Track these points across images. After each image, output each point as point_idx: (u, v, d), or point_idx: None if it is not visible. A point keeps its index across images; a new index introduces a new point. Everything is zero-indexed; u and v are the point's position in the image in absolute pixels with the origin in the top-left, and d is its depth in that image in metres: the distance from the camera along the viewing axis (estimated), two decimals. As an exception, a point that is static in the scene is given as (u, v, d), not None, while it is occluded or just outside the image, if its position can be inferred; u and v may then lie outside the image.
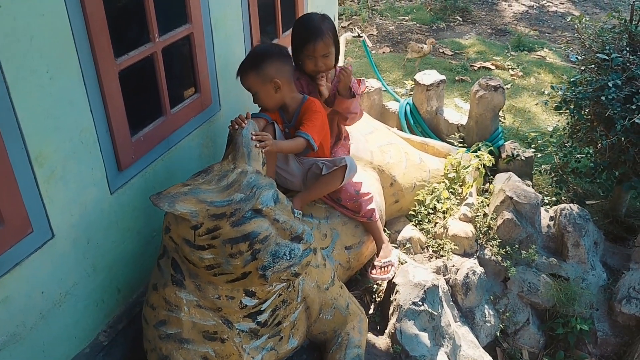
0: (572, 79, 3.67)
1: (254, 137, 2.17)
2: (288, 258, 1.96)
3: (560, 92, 3.68)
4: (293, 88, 2.59)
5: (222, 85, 2.83)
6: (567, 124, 3.84)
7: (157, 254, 2.24)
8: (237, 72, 2.55)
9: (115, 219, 2.30)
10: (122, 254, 2.37)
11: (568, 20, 7.82)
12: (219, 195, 1.95)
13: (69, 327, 2.18)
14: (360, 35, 5.05)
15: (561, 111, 3.70)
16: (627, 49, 3.50)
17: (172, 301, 2.09)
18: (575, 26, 3.85)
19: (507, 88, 5.52)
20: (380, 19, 8.09)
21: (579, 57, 3.84)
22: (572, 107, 3.58)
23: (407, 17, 8.13)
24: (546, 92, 4.00)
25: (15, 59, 1.73)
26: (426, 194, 3.48)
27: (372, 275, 2.93)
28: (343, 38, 4.77)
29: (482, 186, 3.77)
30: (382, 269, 2.89)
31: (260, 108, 2.61)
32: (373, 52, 6.75)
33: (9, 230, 1.82)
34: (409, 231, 3.36)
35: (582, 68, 3.70)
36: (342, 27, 7.31)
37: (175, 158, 2.58)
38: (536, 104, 5.56)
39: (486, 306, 3.30)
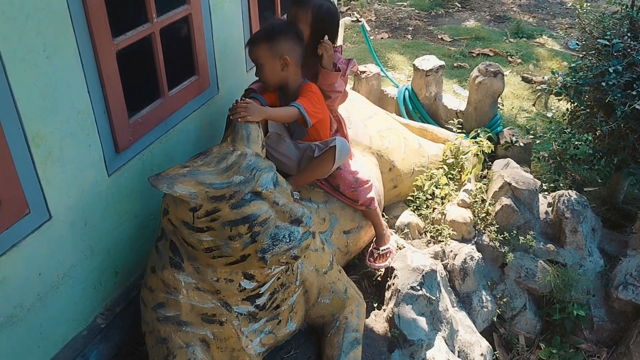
0: (572, 65, 3.65)
1: (237, 108, 2.15)
2: (287, 241, 1.95)
3: (560, 78, 3.66)
4: (298, 71, 2.54)
5: (220, 68, 2.80)
6: (567, 110, 3.83)
7: (155, 237, 2.23)
8: (248, 41, 2.50)
9: (113, 202, 2.28)
10: (120, 236, 2.35)
11: (568, 6, 7.81)
12: (218, 177, 1.93)
13: (66, 310, 2.17)
14: (359, 20, 5.00)
15: (561, 97, 3.69)
16: (628, 34, 3.48)
17: (171, 284, 2.08)
18: (576, 12, 3.82)
19: (506, 74, 5.50)
20: (379, 5, 8.04)
21: (579, 43, 3.82)
22: (572, 93, 3.56)
23: (405, 3, 8.08)
24: (546, 77, 3.98)
25: (12, 38, 1.71)
26: (425, 179, 3.47)
27: (371, 264, 2.93)
28: (342, 23, 4.73)
29: (480, 172, 3.76)
30: (381, 257, 2.89)
31: (258, 81, 2.56)
32: (372, 37, 6.71)
33: (5, 211, 1.80)
34: (408, 216, 3.35)
35: (583, 54, 3.68)
36: (340, 12, 7.26)
37: (173, 140, 2.56)
38: (535, 91, 5.54)
39: (483, 291, 3.31)
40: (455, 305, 3.17)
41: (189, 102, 2.61)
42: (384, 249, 2.90)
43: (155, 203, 2.32)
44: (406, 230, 3.28)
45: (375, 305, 2.90)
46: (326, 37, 2.63)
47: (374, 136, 3.25)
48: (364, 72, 4.45)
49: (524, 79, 5.75)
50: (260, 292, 2.18)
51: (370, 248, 2.97)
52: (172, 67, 2.47)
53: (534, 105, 4.06)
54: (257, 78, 2.56)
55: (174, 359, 2.05)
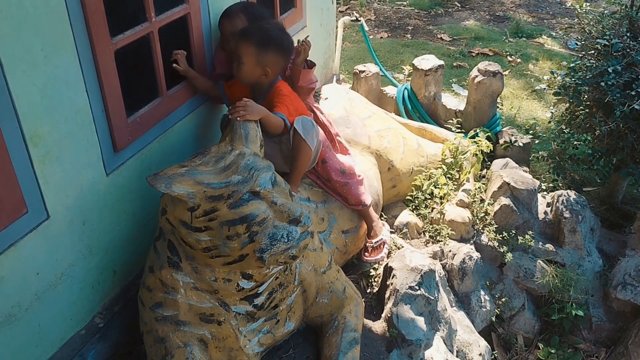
0: (571, 65, 3.65)
1: (237, 107, 2.15)
2: (286, 241, 1.95)
3: (559, 78, 3.66)
4: (273, 78, 2.53)
5: (218, 67, 2.79)
6: (566, 110, 3.83)
7: (153, 237, 2.23)
8: (239, 32, 2.47)
9: (111, 201, 2.28)
10: (118, 236, 2.35)
11: (567, 6, 7.81)
12: (216, 177, 1.93)
13: (64, 309, 2.17)
14: (358, 19, 4.99)
15: (560, 97, 3.68)
16: (628, 34, 3.47)
17: (169, 283, 2.08)
18: (576, 12, 3.82)
19: (505, 74, 5.49)
20: (378, 4, 8.03)
21: (579, 43, 3.82)
22: (571, 93, 3.56)
23: (405, 3, 8.07)
24: (545, 78, 3.98)
25: (9, 36, 1.70)
26: (423, 179, 3.47)
27: (366, 258, 2.93)
28: (341, 22, 4.73)
29: (479, 172, 3.76)
30: (375, 249, 2.89)
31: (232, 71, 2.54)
32: (371, 37, 6.71)
33: (3, 210, 1.80)
34: (406, 216, 3.35)
35: (582, 54, 3.68)
36: (339, 11, 7.26)
37: (172, 140, 2.55)
38: (534, 91, 5.55)
39: (482, 291, 3.31)
40: (453, 305, 3.17)
41: (188, 101, 2.61)
42: (377, 241, 2.90)
43: (154, 203, 2.31)
44: (405, 230, 3.28)
45: (373, 305, 2.90)
46: (308, 37, 2.68)
47: (372, 136, 3.25)
48: (363, 71, 4.44)
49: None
50: (258, 292, 2.18)
51: (364, 244, 2.97)
52: (171, 66, 2.47)
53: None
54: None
55: (172, 359, 2.04)
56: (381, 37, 6.91)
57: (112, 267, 2.37)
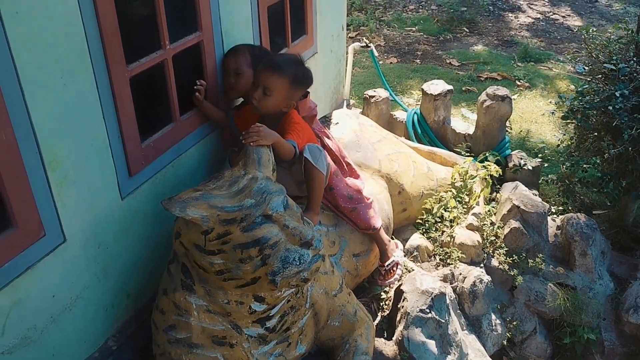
0: (579, 89, 3.68)
1: (250, 132, 2.18)
2: (297, 264, 1.97)
3: (567, 102, 3.69)
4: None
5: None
6: (574, 133, 3.85)
7: (166, 260, 2.26)
8: (270, 63, 2.46)
9: (126, 225, 2.32)
10: (132, 259, 2.39)
11: (575, 31, 7.87)
12: (229, 201, 1.96)
13: (78, 331, 2.19)
14: (368, 45, 5.07)
15: (568, 121, 3.71)
16: (634, 59, 3.51)
17: (182, 306, 2.10)
18: (583, 36, 3.86)
19: (514, 98, 5.53)
20: (388, 30, 8.14)
21: (586, 68, 3.85)
22: (579, 116, 3.58)
23: (414, 28, 8.17)
24: (553, 102, 4.01)
25: (31, 65, 1.76)
26: (434, 202, 3.49)
27: (381, 282, 2.94)
28: (351, 48, 4.80)
29: (489, 195, 3.77)
30: (388, 272, 2.90)
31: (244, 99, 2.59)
32: (381, 62, 6.79)
33: (22, 233, 1.84)
34: (417, 239, 3.37)
35: (590, 78, 3.71)
36: (349, 37, 7.36)
37: (185, 164, 2.60)
38: (543, 114, 5.57)
39: (493, 315, 3.30)
40: (464, 328, 3.16)
41: (200, 127, 2.66)
42: (389, 263, 2.92)
43: (168, 226, 2.34)
44: (415, 253, 3.29)
45: (384, 328, 2.90)
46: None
47: (383, 160, 3.28)
48: (373, 96, 4.50)
49: None
50: (270, 315, 2.20)
51: (377, 267, 2.99)
52: (184, 92, 2.52)
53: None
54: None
55: (185, 381, 2.06)
56: (391, 62, 6.99)
57: (126, 290, 2.39)
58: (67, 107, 1.94)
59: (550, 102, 4.58)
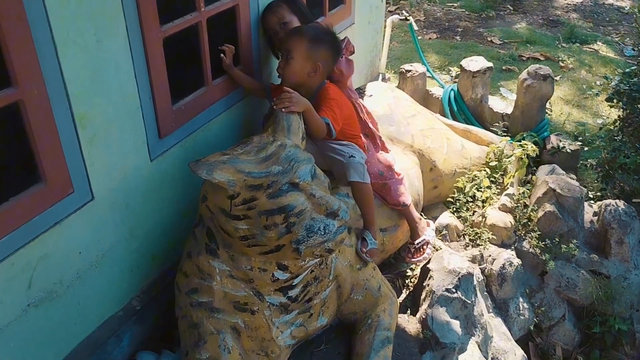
0: (626, 70, 3.53)
1: (282, 98, 2.14)
2: (322, 233, 1.94)
3: (613, 84, 3.54)
4: (322, 80, 2.49)
5: (264, 60, 2.81)
6: (618, 117, 3.70)
7: (192, 224, 2.26)
8: (291, 30, 2.46)
9: (154, 187, 2.32)
10: (159, 221, 2.39)
11: (625, 11, 7.55)
12: (257, 167, 1.94)
13: (103, 289, 2.22)
14: (407, 18, 4.95)
15: (613, 104, 3.57)
16: (688, 41, 3.34)
17: (205, 270, 2.10)
18: (634, 16, 3.69)
19: (556, 79, 5.35)
20: (428, 5, 7.95)
21: (635, 50, 3.68)
22: (624, 99, 3.44)
23: (456, 4, 7.96)
24: (598, 83, 3.86)
25: (64, 21, 1.75)
26: (466, 181, 3.41)
27: (410, 259, 2.89)
28: (389, 21, 4.69)
29: (524, 177, 3.67)
30: (417, 250, 2.85)
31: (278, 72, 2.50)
32: (419, 37, 6.64)
33: (50, 189, 1.85)
34: (446, 218, 3.31)
35: (638, 60, 3.55)
36: (389, 11, 7.22)
37: (215, 129, 2.58)
38: (586, 97, 5.38)
39: (521, 299, 3.23)
40: (491, 310, 3.11)
41: (232, 92, 2.63)
42: (419, 242, 2.86)
43: (195, 190, 2.34)
44: (444, 232, 3.23)
45: (408, 305, 2.87)
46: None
47: (416, 135, 3.21)
48: (410, 71, 4.41)
49: None
50: (293, 284, 2.18)
51: (407, 244, 2.94)
52: (217, 56, 2.49)
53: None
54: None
55: (205, 345, 2.07)
56: (430, 38, 6.84)
57: (151, 251, 2.41)
58: (99, 65, 1.93)
59: (595, 84, 4.41)
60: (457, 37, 6.91)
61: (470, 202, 3.41)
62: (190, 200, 2.52)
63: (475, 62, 4.27)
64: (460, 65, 4.32)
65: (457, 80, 4.48)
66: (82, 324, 2.17)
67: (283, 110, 2.11)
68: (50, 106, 1.77)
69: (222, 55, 2.50)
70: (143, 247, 2.35)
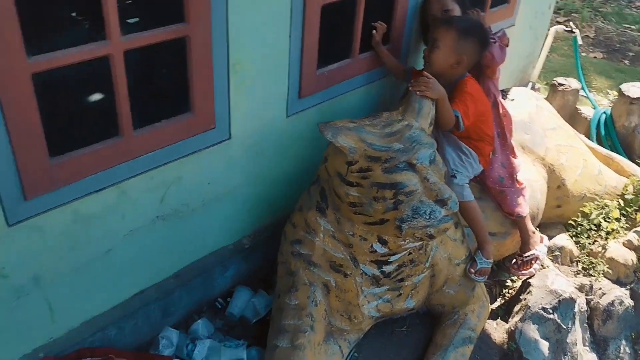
0: None
1: (419, 83, 2.19)
2: (427, 217, 1.99)
3: None
4: (463, 72, 2.48)
5: (412, 43, 2.86)
6: None
7: (310, 181, 2.40)
8: (442, 19, 2.50)
9: (285, 141, 2.49)
10: (282, 173, 2.57)
11: None
12: (379, 140, 2.03)
13: (221, 221, 2.44)
14: (573, 30, 4.71)
15: None
16: None
17: (312, 225, 2.25)
18: None
19: None
20: (602, 23, 7.45)
21: None
22: None
23: (633, 27, 7.39)
24: None
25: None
26: (594, 208, 3.25)
27: (514, 271, 2.84)
28: (553, 30, 4.51)
29: (661, 219, 3.42)
30: (525, 264, 2.80)
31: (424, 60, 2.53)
32: (583, 54, 6.28)
33: (196, 120, 2.08)
34: (563, 240, 3.18)
35: None
36: (557, 21, 6.87)
37: (352, 101, 2.70)
38: None
39: (624, 341, 3.05)
40: (587, 344, 2.97)
41: (375, 69, 2.72)
42: (528, 255, 2.80)
43: (320, 152, 2.46)
44: (557, 253, 3.12)
45: (499, 314, 2.83)
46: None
47: (550, 148, 3.11)
48: (563, 84, 4.23)
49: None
50: (389, 260, 2.26)
51: (515, 254, 2.89)
52: (369, 32, 2.59)
53: None
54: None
55: (296, 292, 2.23)
56: (595, 57, 6.44)
57: (269, 198, 2.60)
58: (262, 19, 2.11)
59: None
60: (626, 61, 6.44)
61: (594, 230, 3.25)
62: (314, 161, 2.65)
63: (637, 89, 3.99)
64: (619, 89, 4.06)
65: (612, 104, 4.22)
66: (198, 246, 2.41)
67: (418, 93, 2.17)
68: (211, 46, 1.98)
69: (373, 31, 2.60)
70: (263, 192, 2.54)
